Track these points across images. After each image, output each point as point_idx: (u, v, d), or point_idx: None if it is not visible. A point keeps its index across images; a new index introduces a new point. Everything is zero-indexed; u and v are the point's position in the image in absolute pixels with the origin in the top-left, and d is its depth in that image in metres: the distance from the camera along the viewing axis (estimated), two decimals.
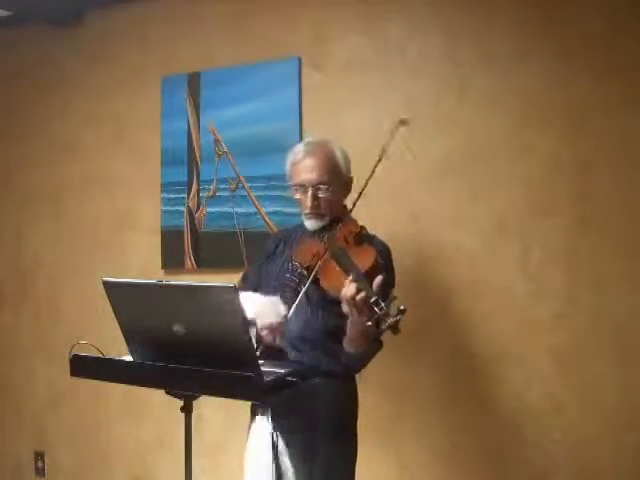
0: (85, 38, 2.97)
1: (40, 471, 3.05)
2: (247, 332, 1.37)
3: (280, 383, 1.44)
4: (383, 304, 1.41)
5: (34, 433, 3.07)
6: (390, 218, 2.32)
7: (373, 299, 1.42)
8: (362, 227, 1.78)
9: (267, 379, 1.36)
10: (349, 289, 1.46)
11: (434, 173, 2.30)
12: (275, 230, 2.44)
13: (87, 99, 2.96)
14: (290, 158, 1.83)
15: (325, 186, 1.74)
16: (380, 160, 1.66)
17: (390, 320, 1.39)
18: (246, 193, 2.58)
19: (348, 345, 1.64)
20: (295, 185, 1.79)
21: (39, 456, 3.05)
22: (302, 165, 1.77)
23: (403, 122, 1.69)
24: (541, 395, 2.15)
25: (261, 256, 1.97)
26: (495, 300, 2.22)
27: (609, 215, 2.09)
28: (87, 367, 1.50)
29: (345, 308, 1.49)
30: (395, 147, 1.69)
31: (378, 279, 1.47)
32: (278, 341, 1.65)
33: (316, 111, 2.48)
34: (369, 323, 1.44)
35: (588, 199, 2.11)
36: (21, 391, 3.10)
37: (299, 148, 1.82)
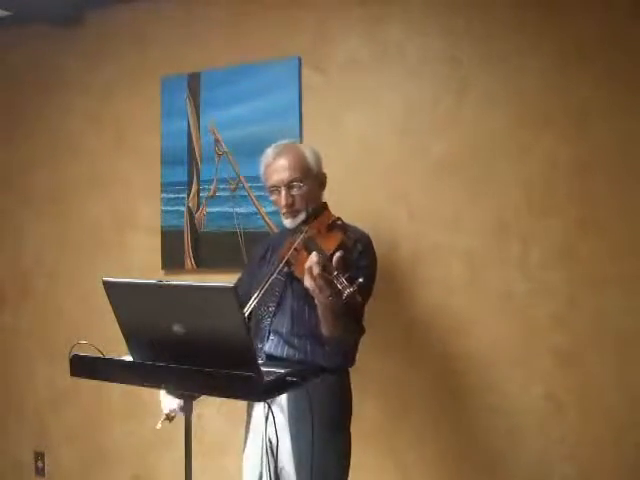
0: (85, 38, 2.97)
1: (40, 471, 3.05)
2: (247, 332, 1.38)
3: (280, 383, 1.44)
4: (343, 278, 1.46)
5: (34, 433, 3.07)
6: (389, 218, 2.32)
7: (334, 274, 1.47)
8: (338, 218, 1.81)
9: (267, 379, 1.36)
10: (309, 261, 1.51)
11: (433, 173, 2.30)
12: (275, 230, 2.45)
13: (87, 99, 2.96)
14: (262, 162, 1.89)
15: (298, 183, 1.80)
16: None
17: (348, 291, 1.44)
18: (246, 193, 2.59)
19: (324, 327, 1.67)
20: (270, 187, 1.85)
21: (39, 456, 3.05)
22: (273, 167, 1.83)
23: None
24: (541, 395, 2.16)
25: (251, 262, 2.04)
26: (495, 300, 2.22)
27: (607, 216, 2.09)
28: (87, 367, 1.50)
29: (308, 284, 1.52)
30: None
31: (337, 254, 1.51)
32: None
33: (316, 111, 2.48)
34: (330, 298, 1.50)
35: (587, 200, 2.11)
36: (22, 391, 3.10)
37: (269, 151, 1.88)
